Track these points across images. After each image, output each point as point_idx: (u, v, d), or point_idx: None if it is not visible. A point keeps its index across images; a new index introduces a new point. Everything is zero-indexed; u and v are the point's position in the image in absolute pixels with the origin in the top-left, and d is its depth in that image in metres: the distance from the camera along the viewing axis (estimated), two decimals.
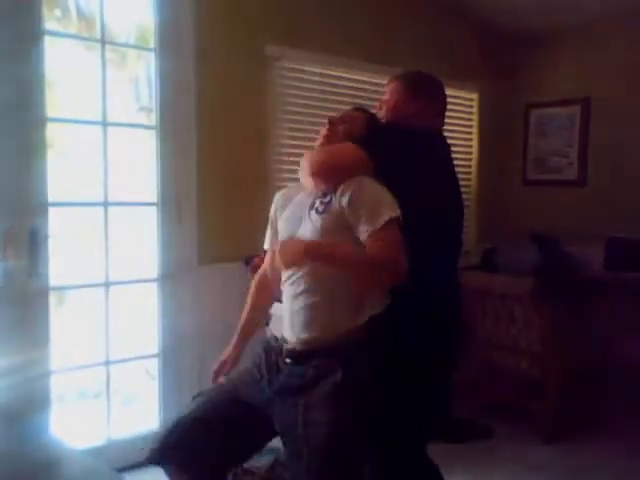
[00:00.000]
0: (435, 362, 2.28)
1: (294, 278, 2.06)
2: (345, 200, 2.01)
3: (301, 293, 2.04)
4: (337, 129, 2.22)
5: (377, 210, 1.98)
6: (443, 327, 2.29)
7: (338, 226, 2.02)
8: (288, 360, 2.05)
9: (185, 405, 2.17)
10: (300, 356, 2.03)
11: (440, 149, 2.41)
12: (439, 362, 2.31)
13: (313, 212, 2.08)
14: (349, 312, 2.02)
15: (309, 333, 2.02)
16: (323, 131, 2.24)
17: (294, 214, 2.17)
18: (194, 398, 2.15)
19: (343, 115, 2.32)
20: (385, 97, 2.50)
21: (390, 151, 2.18)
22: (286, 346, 2.07)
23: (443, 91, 2.56)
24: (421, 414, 2.29)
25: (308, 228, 2.06)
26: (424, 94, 2.47)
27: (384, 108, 2.45)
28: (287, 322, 2.10)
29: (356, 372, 1.98)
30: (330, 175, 2.10)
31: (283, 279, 2.13)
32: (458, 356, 2.54)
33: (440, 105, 2.54)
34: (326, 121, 2.26)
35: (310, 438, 1.91)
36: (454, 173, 2.43)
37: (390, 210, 1.99)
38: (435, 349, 2.25)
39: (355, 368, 1.98)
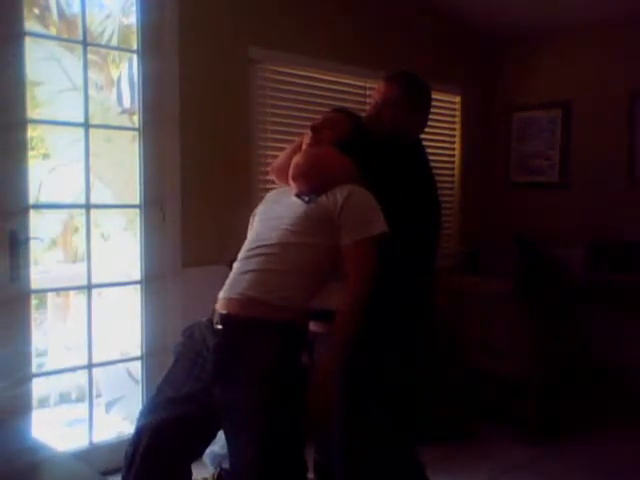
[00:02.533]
0: (403, 362, 2.34)
1: (262, 243, 2.08)
2: (340, 198, 2.04)
3: (263, 255, 2.05)
4: (322, 135, 2.21)
5: (369, 221, 2.05)
6: (412, 328, 2.34)
7: (320, 217, 2.06)
8: (219, 326, 2.00)
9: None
10: (233, 323, 1.99)
11: (423, 160, 2.50)
12: (406, 362, 2.36)
13: (298, 200, 2.11)
14: (302, 294, 2.03)
15: (256, 293, 1.99)
16: (307, 139, 2.23)
17: (277, 199, 2.23)
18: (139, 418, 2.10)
19: (325, 119, 2.30)
20: (384, 95, 2.42)
21: (377, 161, 2.21)
22: (220, 311, 2.04)
23: (431, 100, 2.57)
24: (397, 413, 2.33)
25: (290, 210, 2.10)
26: (421, 107, 2.49)
27: (385, 114, 2.39)
28: (232, 280, 2.08)
29: (290, 353, 1.99)
30: (309, 179, 2.11)
31: (251, 241, 2.15)
32: (426, 355, 2.61)
33: (428, 115, 2.56)
34: (309, 128, 2.24)
35: (248, 422, 1.90)
36: (434, 183, 2.50)
37: (380, 225, 2.05)
38: (403, 348, 2.31)
39: (290, 349, 1.99)
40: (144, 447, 1.96)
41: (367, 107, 3.92)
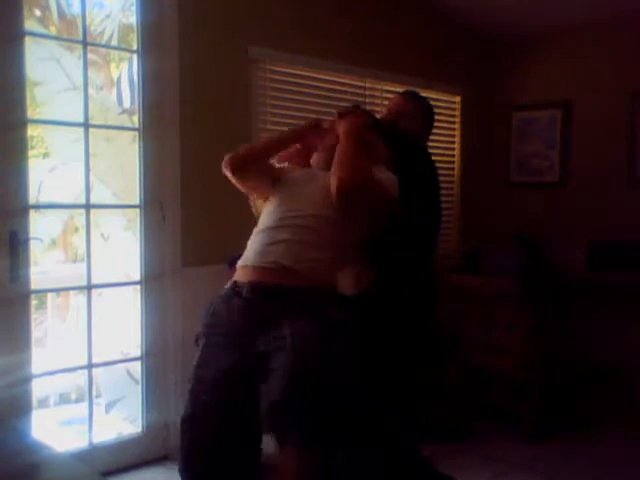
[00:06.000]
0: (406, 357, 2.39)
1: (293, 214, 2.11)
2: None
3: (295, 227, 2.09)
4: (347, 119, 2.34)
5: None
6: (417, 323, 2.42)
7: None
8: (250, 295, 2.03)
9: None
10: (265, 290, 2.02)
11: (429, 158, 2.81)
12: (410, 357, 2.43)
13: (324, 172, 2.19)
14: (329, 270, 2.10)
15: (290, 262, 2.02)
16: (344, 125, 2.31)
17: (306, 173, 2.32)
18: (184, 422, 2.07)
19: (349, 110, 2.48)
20: (398, 109, 2.81)
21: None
22: (248, 279, 2.06)
23: (434, 120, 3.00)
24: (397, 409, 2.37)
25: (319, 184, 2.16)
26: (429, 122, 2.92)
27: (402, 123, 2.73)
28: (259, 249, 2.10)
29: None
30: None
31: (277, 208, 2.18)
32: (429, 353, 2.72)
33: (431, 132, 2.98)
34: (335, 114, 2.43)
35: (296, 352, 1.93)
36: (438, 181, 2.81)
37: (390, 188, 2.15)
38: (407, 345, 2.37)
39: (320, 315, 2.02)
40: (203, 436, 2.00)
41: (367, 107, 4.00)
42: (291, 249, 2.04)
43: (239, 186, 2.35)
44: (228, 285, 2.14)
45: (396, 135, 2.53)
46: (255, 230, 2.24)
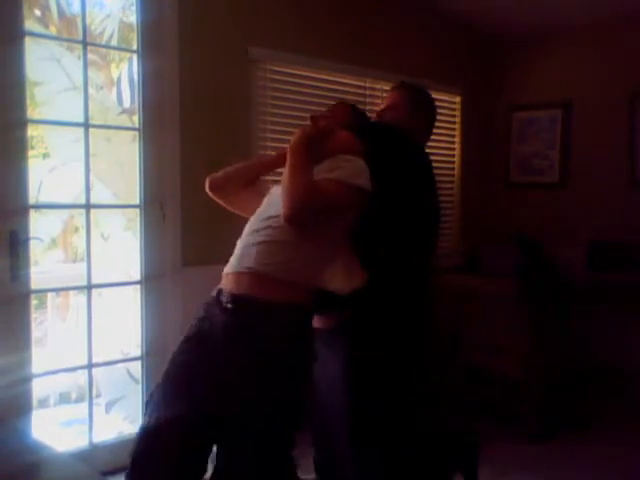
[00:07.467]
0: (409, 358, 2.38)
1: (268, 215, 2.07)
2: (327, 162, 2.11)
3: (270, 228, 2.04)
4: (318, 124, 2.29)
5: (340, 167, 2.06)
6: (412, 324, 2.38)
7: None
8: (230, 305, 1.99)
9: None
10: (246, 305, 1.98)
11: (428, 162, 2.53)
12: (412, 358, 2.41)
13: None
14: (308, 268, 2.03)
15: (265, 267, 1.98)
16: (308, 129, 2.26)
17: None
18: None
19: (327, 110, 2.45)
20: (387, 103, 2.59)
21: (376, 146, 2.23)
22: (229, 289, 2.02)
23: (434, 107, 2.69)
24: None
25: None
26: (427, 113, 2.63)
27: (387, 115, 2.53)
28: (238, 255, 2.07)
29: (305, 339, 2.04)
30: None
31: (263, 215, 2.12)
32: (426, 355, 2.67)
33: (433, 125, 2.68)
34: (309, 117, 2.38)
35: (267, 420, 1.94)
36: (436, 186, 2.54)
37: (357, 179, 2.04)
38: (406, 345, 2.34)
39: (305, 334, 2.04)
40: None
41: (367, 107, 3.99)
42: (265, 251, 1.99)
43: (225, 206, 2.46)
44: (214, 293, 2.11)
45: (371, 127, 2.46)
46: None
